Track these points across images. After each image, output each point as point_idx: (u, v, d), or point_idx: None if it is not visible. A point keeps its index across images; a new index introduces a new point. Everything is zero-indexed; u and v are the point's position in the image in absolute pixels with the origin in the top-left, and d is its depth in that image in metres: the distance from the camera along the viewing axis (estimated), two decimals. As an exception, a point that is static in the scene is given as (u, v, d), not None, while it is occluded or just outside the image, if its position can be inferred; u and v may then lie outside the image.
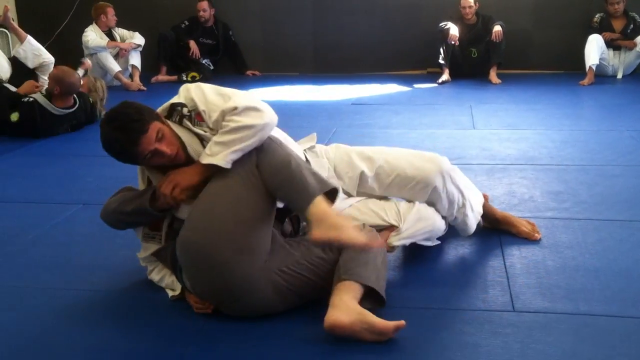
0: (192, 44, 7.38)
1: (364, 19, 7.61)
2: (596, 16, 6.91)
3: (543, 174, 3.68)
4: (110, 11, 7.09)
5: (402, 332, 2.06)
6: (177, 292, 2.33)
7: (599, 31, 6.75)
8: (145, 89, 6.95)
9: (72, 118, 5.09)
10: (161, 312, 2.29)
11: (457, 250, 2.70)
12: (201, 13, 7.42)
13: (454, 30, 6.81)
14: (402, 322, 2.01)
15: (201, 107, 2.25)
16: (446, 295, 2.32)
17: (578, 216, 3.03)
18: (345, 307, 2.02)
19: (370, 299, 2.13)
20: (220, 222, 2.10)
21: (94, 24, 7.08)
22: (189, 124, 2.28)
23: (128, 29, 7.29)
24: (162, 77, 7.43)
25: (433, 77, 7.08)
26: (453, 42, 6.83)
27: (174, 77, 7.35)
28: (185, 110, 2.29)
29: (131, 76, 7.14)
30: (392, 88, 6.76)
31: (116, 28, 7.24)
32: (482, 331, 2.07)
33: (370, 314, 2.03)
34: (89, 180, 3.83)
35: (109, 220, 2.41)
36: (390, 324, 2.01)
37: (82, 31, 7.03)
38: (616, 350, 1.96)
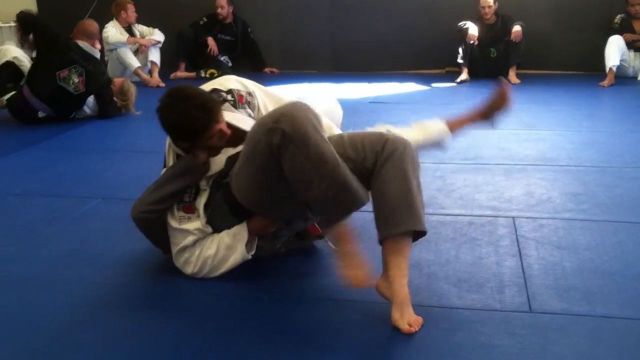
0: (211, 41, 7.41)
1: (382, 17, 7.60)
2: (617, 17, 6.85)
3: (562, 175, 3.66)
4: (131, 7, 7.13)
5: (418, 331, 2.07)
6: (246, 235, 2.36)
7: (619, 32, 6.69)
8: (164, 85, 6.98)
9: (84, 61, 5.17)
10: (181, 304, 2.32)
11: (474, 250, 2.69)
12: (219, 10, 7.44)
13: (473, 29, 6.78)
14: (413, 330, 2.05)
15: (251, 89, 2.55)
16: (462, 295, 2.31)
17: (596, 218, 3.01)
18: (390, 285, 2.11)
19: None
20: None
21: (114, 20, 7.13)
22: (231, 108, 2.46)
23: (148, 25, 7.33)
24: (181, 73, 7.46)
25: (451, 76, 7.06)
26: (472, 42, 6.80)
27: (193, 74, 7.40)
28: (229, 96, 2.48)
29: (150, 72, 7.18)
30: (410, 87, 6.75)
31: (136, 24, 7.28)
32: (498, 331, 2.07)
33: (404, 306, 2.08)
34: (109, 175, 3.86)
35: (142, 207, 2.41)
36: (404, 329, 2.05)
37: (103, 27, 7.07)
38: (634, 353, 1.95)
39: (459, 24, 6.90)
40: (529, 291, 2.32)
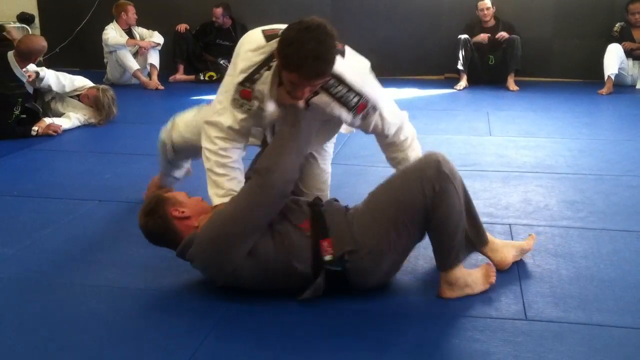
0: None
1: (383, 23, 7.60)
2: (616, 25, 6.86)
3: (559, 183, 3.66)
4: (131, 9, 7.14)
5: (414, 338, 2.08)
6: None
7: (619, 41, 6.71)
8: (163, 88, 6.99)
9: (23, 94, 4.89)
10: (178, 307, 2.32)
11: (470, 258, 2.67)
12: (214, 19, 7.46)
13: (477, 37, 6.87)
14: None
15: (378, 105, 2.49)
16: (458, 302, 2.31)
17: (593, 226, 3.01)
18: (502, 245, 2.57)
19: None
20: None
21: (115, 22, 7.13)
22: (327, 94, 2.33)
23: (148, 28, 7.33)
24: (180, 76, 7.46)
25: (451, 82, 7.06)
26: (484, 42, 6.86)
27: (192, 77, 7.39)
28: (354, 97, 2.35)
29: (149, 75, 7.18)
30: (409, 93, 6.75)
31: (136, 27, 7.28)
32: (493, 339, 2.07)
33: (517, 241, 2.69)
34: (106, 177, 3.85)
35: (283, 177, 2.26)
36: (530, 241, 2.66)
37: (103, 29, 7.08)
38: (629, 362, 1.95)
39: (460, 36, 6.93)
40: (525, 299, 2.32)
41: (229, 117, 2.37)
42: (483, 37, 6.87)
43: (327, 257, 2.23)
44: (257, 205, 2.23)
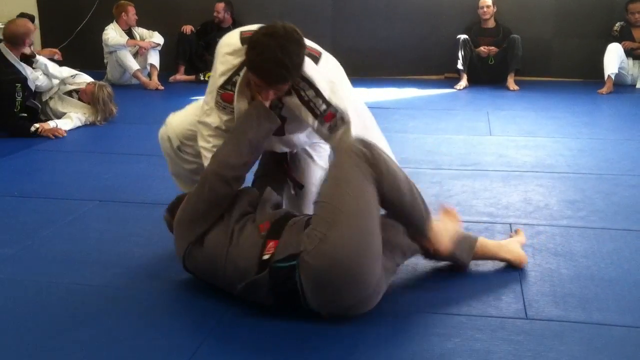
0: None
1: (383, 24, 7.60)
2: (616, 25, 6.86)
3: (559, 182, 3.66)
4: (131, 10, 7.14)
5: (414, 336, 2.07)
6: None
7: (619, 40, 6.71)
8: (163, 88, 6.99)
9: (22, 79, 4.88)
10: (177, 308, 2.32)
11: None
12: (215, 13, 7.48)
13: (479, 49, 6.91)
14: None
15: (349, 115, 2.37)
16: (458, 301, 2.31)
17: (594, 225, 3.01)
18: (508, 244, 2.60)
19: None
20: (368, 243, 2.10)
21: (115, 23, 7.13)
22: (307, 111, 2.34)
23: (149, 28, 7.34)
24: (180, 76, 7.46)
25: (451, 82, 7.06)
26: (484, 55, 6.87)
27: (192, 77, 7.39)
28: (322, 103, 2.32)
29: (149, 75, 7.18)
30: (409, 92, 6.75)
31: (136, 27, 7.29)
32: (494, 338, 2.07)
33: (512, 238, 2.72)
34: (106, 177, 3.85)
35: (223, 163, 2.29)
36: (521, 234, 2.76)
37: (103, 29, 7.08)
38: (629, 361, 1.95)
39: (459, 36, 6.93)
40: (525, 298, 2.32)
41: (216, 118, 2.43)
42: (483, 50, 6.91)
43: (265, 256, 2.15)
44: (200, 193, 2.30)
